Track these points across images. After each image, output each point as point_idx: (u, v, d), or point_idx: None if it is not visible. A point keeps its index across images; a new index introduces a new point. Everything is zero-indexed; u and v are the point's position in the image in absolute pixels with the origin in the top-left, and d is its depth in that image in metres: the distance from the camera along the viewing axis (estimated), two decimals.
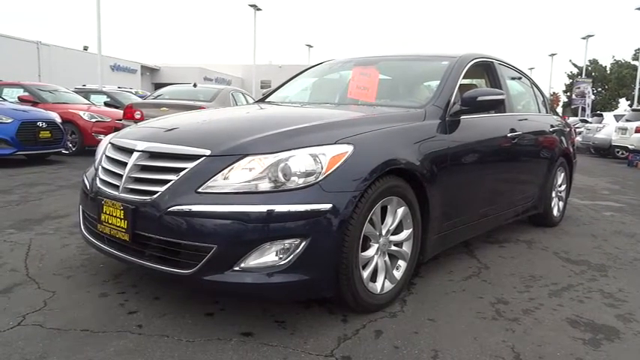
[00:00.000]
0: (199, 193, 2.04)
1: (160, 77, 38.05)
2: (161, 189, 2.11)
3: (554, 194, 4.46)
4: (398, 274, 2.52)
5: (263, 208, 1.97)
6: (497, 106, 3.06)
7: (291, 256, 2.00)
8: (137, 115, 7.24)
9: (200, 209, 2.00)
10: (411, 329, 2.22)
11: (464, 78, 3.30)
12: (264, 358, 1.90)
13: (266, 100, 3.82)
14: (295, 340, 2.07)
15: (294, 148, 2.11)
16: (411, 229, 2.54)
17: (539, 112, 4.51)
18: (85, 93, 11.86)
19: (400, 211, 2.46)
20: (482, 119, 3.21)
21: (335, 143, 2.20)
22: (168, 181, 2.11)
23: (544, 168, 4.18)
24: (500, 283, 2.89)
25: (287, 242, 2.00)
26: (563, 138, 4.57)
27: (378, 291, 2.38)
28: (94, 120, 8.85)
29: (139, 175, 2.24)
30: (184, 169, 2.11)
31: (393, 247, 2.48)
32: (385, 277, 2.43)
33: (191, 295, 2.46)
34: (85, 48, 30.26)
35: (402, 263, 2.55)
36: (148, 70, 38.31)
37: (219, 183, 2.04)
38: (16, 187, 5.51)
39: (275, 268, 1.99)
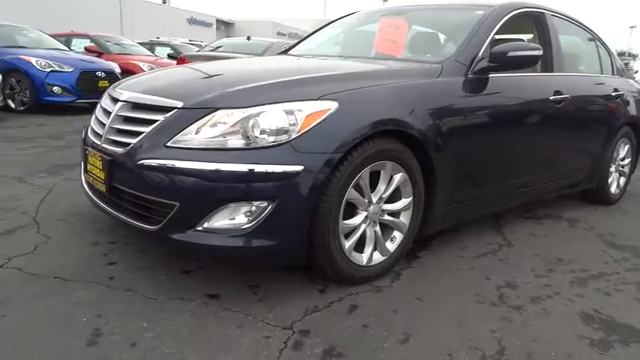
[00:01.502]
0: (168, 147, 1.93)
1: (234, 31, 38.47)
2: (134, 141, 2.02)
3: (613, 168, 3.93)
4: (392, 245, 2.31)
5: (226, 167, 1.83)
6: (532, 63, 2.65)
7: (256, 219, 1.86)
8: None
9: (165, 164, 1.90)
10: (390, 307, 2.03)
11: (507, 32, 2.90)
12: (217, 324, 1.81)
13: (288, 53, 3.61)
14: (260, 307, 1.95)
15: (267, 103, 1.92)
16: (410, 199, 2.30)
17: (602, 73, 3.94)
18: (150, 45, 12.19)
19: (397, 177, 2.22)
20: (517, 78, 2.82)
21: (318, 99, 1.98)
22: (142, 133, 2.02)
23: (601, 138, 3.67)
24: (519, 264, 2.59)
25: (253, 205, 1.85)
26: (630, 104, 3.97)
27: (364, 262, 2.19)
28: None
29: (120, 126, 2.17)
30: (157, 121, 2.01)
31: (387, 217, 2.26)
32: (375, 249, 2.24)
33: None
34: (164, 1, 31.05)
35: (397, 235, 2.33)
36: (223, 24, 38.84)
37: (188, 137, 1.91)
38: (68, 133, 5.78)
39: (239, 231, 1.86)
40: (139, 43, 11.42)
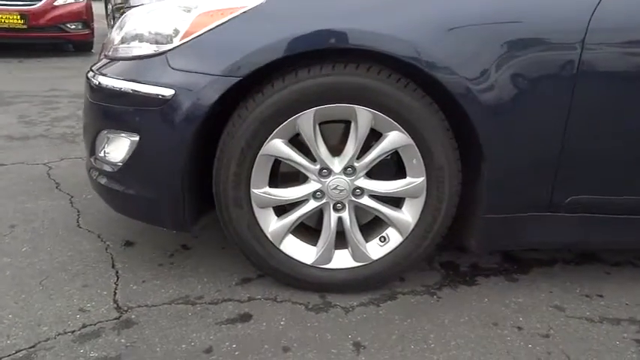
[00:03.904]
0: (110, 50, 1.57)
1: None
2: None
3: None
4: (379, 250, 1.41)
5: (97, 80, 1.39)
6: None
7: (122, 156, 1.37)
8: None
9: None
10: (291, 340, 1.24)
11: None
12: (78, 275, 1.46)
13: None
14: (144, 273, 1.49)
15: None
16: (419, 179, 1.33)
17: None
18: None
19: (389, 138, 1.30)
20: None
21: None
22: None
23: None
24: None
25: (126, 136, 1.37)
26: None
27: (311, 261, 1.41)
28: None
29: None
30: None
31: (368, 201, 1.37)
32: (344, 247, 1.41)
33: None
34: None
35: (393, 234, 1.41)
36: None
37: (112, 35, 1.52)
38: None
39: (112, 166, 1.42)
40: None
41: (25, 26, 5.81)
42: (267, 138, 1.28)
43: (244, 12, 1.23)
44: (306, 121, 1.27)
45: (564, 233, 1.39)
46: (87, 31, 6.51)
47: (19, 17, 5.73)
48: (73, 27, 6.33)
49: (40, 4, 5.88)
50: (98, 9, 7.82)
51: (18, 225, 1.74)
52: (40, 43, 6.24)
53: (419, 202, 1.36)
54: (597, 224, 1.39)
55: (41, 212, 1.85)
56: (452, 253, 1.68)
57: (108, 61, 1.46)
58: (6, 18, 5.68)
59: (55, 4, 6.11)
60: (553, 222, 1.36)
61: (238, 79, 1.21)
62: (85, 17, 6.42)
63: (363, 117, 1.27)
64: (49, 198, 1.97)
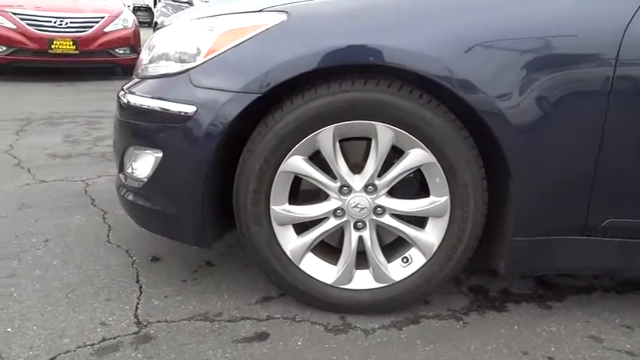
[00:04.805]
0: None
1: None
2: None
3: None
4: (402, 271, 1.37)
5: (126, 99, 1.43)
6: None
7: (147, 172, 1.40)
8: None
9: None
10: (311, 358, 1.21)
11: None
12: (101, 289, 1.49)
13: None
14: (165, 288, 1.50)
15: (195, 19, 1.38)
16: (443, 199, 1.29)
17: None
18: None
19: (411, 155, 1.27)
20: None
21: (260, 11, 1.29)
22: None
23: None
24: None
25: (148, 152, 1.40)
26: None
27: (331, 280, 1.38)
28: None
29: None
30: None
31: (390, 220, 1.34)
32: (365, 266, 1.37)
33: None
34: None
35: (416, 255, 1.36)
36: None
37: (142, 55, 1.57)
38: None
39: (139, 182, 1.45)
40: None
41: (77, 51, 6.13)
42: (286, 155, 1.27)
43: (266, 29, 1.24)
44: (325, 137, 1.26)
45: (601, 259, 1.30)
46: (134, 56, 6.77)
47: (71, 43, 6.05)
48: (122, 52, 6.62)
49: (91, 30, 6.20)
50: (146, 35, 8.16)
51: (52, 239, 1.80)
52: (90, 67, 6.56)
53: (443, 222, 1.31)
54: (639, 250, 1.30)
55: (74, 227, 1.90)
56: (481, 276, 1.61)
57: (138, 80, 1.50)
58: (60, 44, 6.01)
59: (105, 30, 6.42)
60: (588, 246, 1.28)
61: (257, 95, 1.22)
62: (132, 42, 6.70)
63: (384, 134, 1.25)
64: (84, 213, 2.03)
